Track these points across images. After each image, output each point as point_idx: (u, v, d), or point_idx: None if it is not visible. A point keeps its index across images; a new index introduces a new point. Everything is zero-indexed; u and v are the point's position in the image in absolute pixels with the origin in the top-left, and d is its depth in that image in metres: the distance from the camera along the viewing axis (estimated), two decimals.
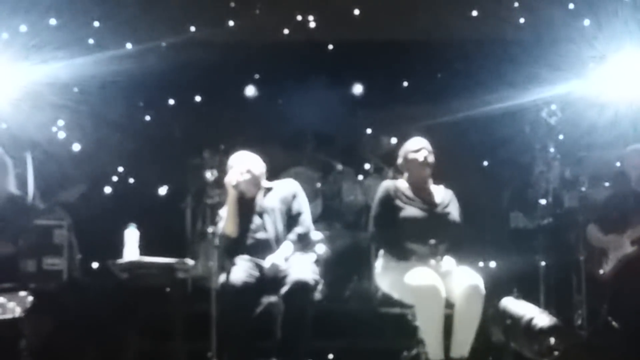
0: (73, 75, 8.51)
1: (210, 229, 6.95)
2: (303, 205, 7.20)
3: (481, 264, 8.15)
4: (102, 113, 8.83)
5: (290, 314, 6.68)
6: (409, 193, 7.00)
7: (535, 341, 6.43)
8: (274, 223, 7.06)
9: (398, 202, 6.95)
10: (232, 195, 7.08)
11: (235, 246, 7.02)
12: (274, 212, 7.10)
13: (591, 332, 8.08)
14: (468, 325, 6.50)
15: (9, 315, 5.75)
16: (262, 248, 6.96)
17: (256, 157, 7.29)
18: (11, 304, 5.88)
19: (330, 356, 7.38)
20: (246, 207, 7.10)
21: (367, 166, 9.79)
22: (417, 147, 7.02)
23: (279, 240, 7.00)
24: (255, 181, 7.18)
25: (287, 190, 7.21)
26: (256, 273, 6.79)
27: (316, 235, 7.32)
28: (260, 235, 7.04)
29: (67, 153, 8.63)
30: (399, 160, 7.13)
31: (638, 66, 8.75)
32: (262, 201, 7.16)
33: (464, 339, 6.51)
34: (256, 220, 7.09)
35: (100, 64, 8.63)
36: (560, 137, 8.81)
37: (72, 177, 8.74)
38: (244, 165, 7.17)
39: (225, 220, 7.05)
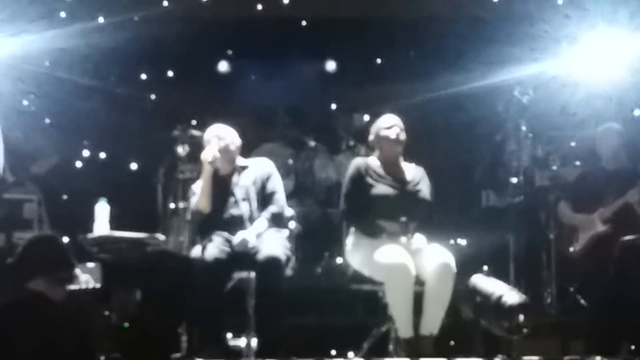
0: (44, 48, 8.43)
1: (182, 204, 6.92)
2: (277, 185, 7.17)
3: (452, 241, 8.16)
4: (73, 87, 8.75)
5: (263, 290, 6.66)
6: (380, 170, 6.99)
7: (504, 318, 6.43)
8: (248, 201, 7.03)
9: (369, 180, 6.94)
10: (207, 171, 7.04)
11: (207, 222, 6.98)
12: (248, 189, 7.06)
13: (560, 310, 8.15)
14: (438, 303, 6.52)
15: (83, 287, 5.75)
16: (235, 225, 6.92)
17: (233, 131, 7.24)
18: (85, 276, 5.90)
19: (301, 333, 7.35)
20: (220, 184, 7.06)
21: (339, 143, 9.77)
22: (389, 124, 7.01)
23: (252, 218, 6.96)
24: (231, 157, 7.15)
25: (263, 170, 7.17)
26: (227, 248, 6.76)
27: (288, 212, 7.31)
28: (234, 211, 7.00)
29: (37, 127, 8.55)
30: (371, 137, 7.12)
31: (611, 45, 8.76)
32: (236, 178, 7.12)
33: (434, 316, 6.52)
34: (230, 197, 7.05)
35: (72, 37, 8.55)
36: (533, 116, 8.83)
37: (43, 151, 8.69)
38: (221, 140, 7.13)
39: (199, 196, 7.01)
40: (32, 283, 4.91)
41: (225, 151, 7.10)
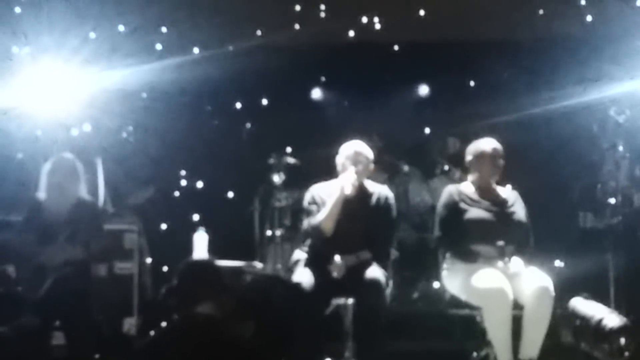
0: (141, 80, 8.63)
1: (278, 232, 6.94)
2: (393, 219, 7.12)
3: (550, 264, 8.09)
4: (170, 118, 8.92)
5: (364, 314, 6.64)
6: (474, 195, 6.97)
7: (605, 342, 6.37)
8: (366, 226, 6.93)
9: (462, 205, 6.92)
10: (340, 196, 6.84)
11: (325, 244, 6.89)
12: (368, 215, 6.97)
13: None
14: (538, 327, 6.46)
15: None
16: (349, 249, 6.83)
17: (369, 151, 7.09)
18: None
19: (400, 357, 7.34)
20: (345, 204, 6.90)
21: (433, 167, 9.77)
22: (490, 147, 6.98)
23: (364, 244, 6.90)
24: (362, 180, 7.02)
25: (385, 199, 7.06)
26: (326, 274, 6.76)
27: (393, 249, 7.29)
28: (351, 235, 6.87)
29: (136, 158, 8.72)
30: (469, 158, 7.07)
31: None
32: (360, 202, 6.98)
33: (534, 340, 6.46)
34: (350, 220, 6.89)
35: (168, 70, 8.73)
36: (629, 135, 8.72)
37: (142, 182, 8.84)
38: (358, 162, 6.96)
39: (325, 217, 6.84)
40: (201, 307, 5.02)
41: (360, 173, 6.98)
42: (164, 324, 5.67)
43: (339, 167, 7.03)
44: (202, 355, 4.70)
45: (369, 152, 7.08)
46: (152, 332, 6.99)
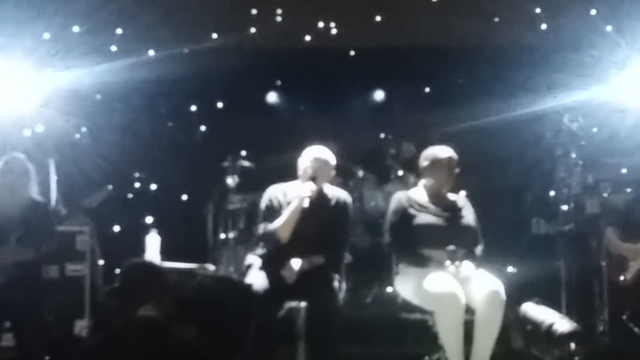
0: (96, 81, 8.58)
1: (232, 234, 6.91)
2: (348, 224, 7.11)
3: (502, 269, 8.13)
4: (124, 119, 8.88)
5: (317, 318, 6.62)
6: (423, 200, 6.99)
7: (555, 347, 6.42)
8: (323, 231, 6.89)
9: (411, 211, 6.92)
10: (299, 205, 6.78)
11: (279, 247, 6.84)
12: (325, 220, 6.94)
13: (613, 338, 8.07)
14: (489, 331, 6.47)
15: None
16: (306, 253, 6.79)
17: (331, 156, 7.05)
18: None
19: None
20: (303, 210, 6.81)
21: (388, 172, 9.78)
22: (446, 156, 6.98)
23: (321, 248, 6.87)
24: (321, 186, 6.99)
25: (343, 204, 7.05)
26: (279, 277, 6.74)
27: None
28: (308, 240, 6.83)
29: (89, 159, 8.66)
30: (424, 163, 7.06)
31: None
32: (318, 206, 6.90)
33: (485, 344, 6.47)
34: (307, 224, 6.84)
35: (122, 71, 8.69)
36: (582, 143, 8.79)
37: (95, 183, 8.79)
38: (319, 168, 6.92)
39: (283, 224, 6.79)
40: (143, 308, 4.98)
41: (320, 180, 6.93)
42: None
43: (300, 172, 6.99)
44: (145, 357, 4.65)
45: (331, 158, 7.05)
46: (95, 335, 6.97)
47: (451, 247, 6.61)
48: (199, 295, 6.06)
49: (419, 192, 7.06)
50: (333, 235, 6.95)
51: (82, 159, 8.64)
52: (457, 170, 6.98)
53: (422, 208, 6.95)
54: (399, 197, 7.05)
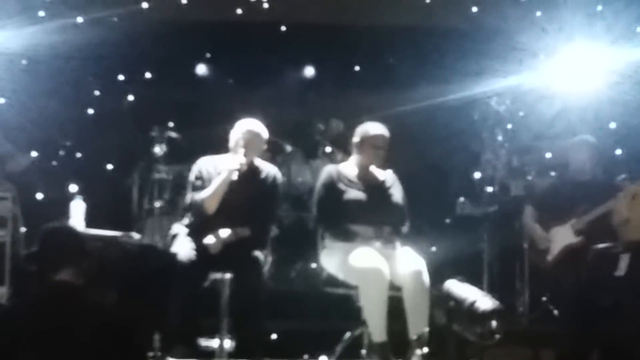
0: (22, 45, 8.44)
1: (157, 203, 6.86)
2: (277, 197, 7.14)
3: (427, 249, 8.19)
4: (51, 85, 8.74)
5: (241, 290, 6.61)
6: (352, 176, 6.99)
7: (477, 323, 6.44)
8: (250, 203, 6.90)
9: (340, 185, 6.92)
10: (227, 177, 6.77)
11: (206, 218, 6.83)
12: (253, 192, 6.94)
13: (532, 319, 8.18)
14: (418, 303, 6.52)
15: None
16: (233, 224, 6.80)
17: (263, 129, 7.07)
18: None
19: (274, 336, 7.34)
20: (233, 183, 6.82)
21: (316, 148, 9.79)
22: (378, 133, 6.98)
23: (248, 221, 6.88)
24: (251, 159, 6.99)
25: (272, 178, 7.07)
26: (204, 248, 6.72)
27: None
28: (235, 211, 6.83)
29: (14, 124, 8.52)
30: (355, 139, 7.04)
31: (587, 58, 8.83)
32: (247, 178, 6.92)
33: (419, 315, 6.51)
34: (234, 196, 6.84)
35: (50, 36, 8.55)
36: (509, 126, 8.89)
37: (19, 149, 8.65)
38: (250, 140, 6.93)
39: (210, 195, 6.77)
40: (60, 274, 4.90)
41: (250, 150, 6.93)
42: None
43: (231, 143, 6.97)
44: (62, 323, 4.59)
45: (264, 132, 7.05)
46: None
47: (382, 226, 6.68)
48: (121, 262, 6.03)
49: (349, 167, 7.06)
50: (260, 209, 6.96)
51: (6, 124, 8.49)
52: (386, 149, 6.98)
53: (351, 183, 6.95)
54: (328, 171, 7.05)
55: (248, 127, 6.99)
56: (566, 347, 6.91)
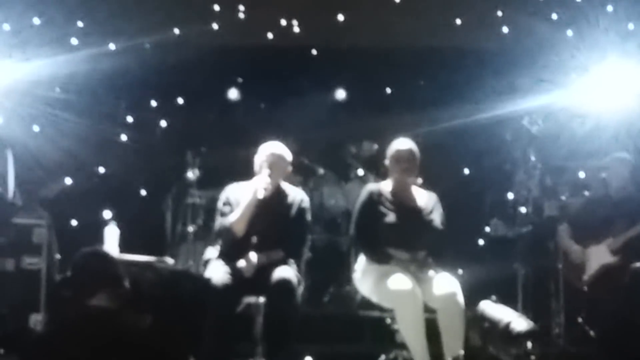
0: (55, 73, 8.52)
1: (191, 228, 6.87)
2: (307, 221, 7.12)
3: (461, 271, 8.16)
4: (83, 112, 8.81)
5: (275, 314, 6.62)
6: (392, 197, 6.97)
7: (512, 345, 6.44)
8: (280, 228, 6.92)
9: (381, 207, 6.91)
10: (253, 199, 6.81)
11: (238, 243, 6.85)
12: (283, 217, 6.97)
13: (568, 340, 8.12)
14: (453, 326, 6.51)
15: None
16: (262, 249, 6.81)
17: (287, 152, 7.09)
18: None
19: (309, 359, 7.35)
20: (260, 207, 6.86)
21: (348, 171, 9.79)
22: (405, 147, 6.97)
23: (279, 244, 6.89)
24: (277, 182, 7.02)
25: (300, 202, 7.06)
26: (237, 272, 6.72)
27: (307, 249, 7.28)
28: (264, 235, 6.85)
29: (48, 151, 8.58)
30: (388, 159, 7.04)
31: (619, 77, 8.80)
32: (275, 203, 6.96)
33: (454, 338, 6.50)
34: (264, 220, 6.87)
35: (82, 64, 8.63)
36: (542, 146, 8.85)
37: (53, 176, 8.72)
38: (274, 164, 6.96)
39: (237, 218, 6.81)
40: (95, 299, 4.92)
41: (275, 175, 6.96)
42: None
43: (256, 167, 7.01)
44: (97, 348, 4.60)
45: (287, 154, 7.08)
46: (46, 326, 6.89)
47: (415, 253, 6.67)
48: (155, 287, 6.02)
49: (389, 188, 7.04)
50: (291, 232, 6.97)
51: (40, 151, 8.55)
52: (417, 161, 6.94)
53: (391, 204, 6.93)
54: (370, 190, 7.04)
55: (271, 150, 7.03)
56: None
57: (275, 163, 6.96)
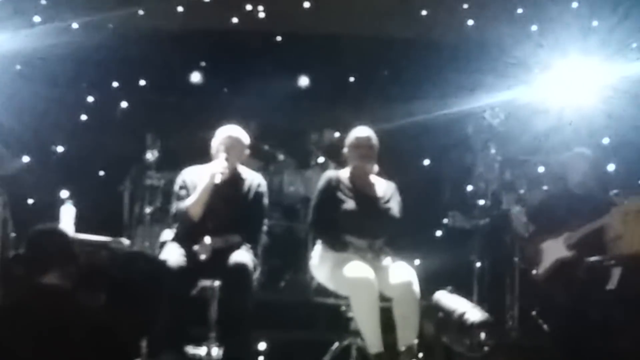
0: (16, 49, 8.43)
1: (148, 209, 6.84)
2: (264, 206, 7.11)
3: (417, 261, 8.17)
4: (44, 90, 8.72)
5: (230, 299, 6.62)
6: (351, 185, 6.97)
7: (466, 335, 6.43)
8: (235, 211, 6.92)
9: (339, 194, 6.92)
10: (210, 183, 6.80)
11: (194, 226, 6.84)
12: (238, 201, 6.96)
13: (522, 332, 8.16)
14: (408, 315, 6.54)
15: None
16: (217, 232, 6.81)
17: (244, 135, 7.09)
18: None
19: (262, 345, 7.32)
20: (217, 191, 6.85)
21: (309, 158, 9.77)
22: (363, 135, 6.99)
23: (233, 229, 6.88)
24: (234, 165, 6.99)
25: (257, 186, 7.06)
26: (193, 255, 6.69)
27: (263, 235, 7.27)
28: (220, 219, 6.87)
29: (7, 128, 8.50)
30: (347, 147, 7.06)
31: (581, 74, 8.84)
32: (231, 187, 6.95)
33: (408, 327, 6.54)
34: (220, 204, 6.87)
35: (44, 41, 8.54)
36: (503, 140, 8.87)
37: (10, 154, 8.63)
38: (231, 147, 6.95)
39: (194, 202, 6.81)
40: (47, 277, 4.87)
41: (232, 158, 6.95)
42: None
43: (213, 151, 7.00)
44: (48, 326, 4.56)
45: (244, 137, 7.06)
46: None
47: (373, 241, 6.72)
48: (109, 267, 5.97)
49: (348, 176, 7.04)
50: (248, 216, 6.96)
51: None
52: (375, 149, 6.96)
53: (349, 192, 6.94)
54: (328, 177, 7.04)
55: (228, 133, 7.01)
56: None
57: (232, 146, 6.94)
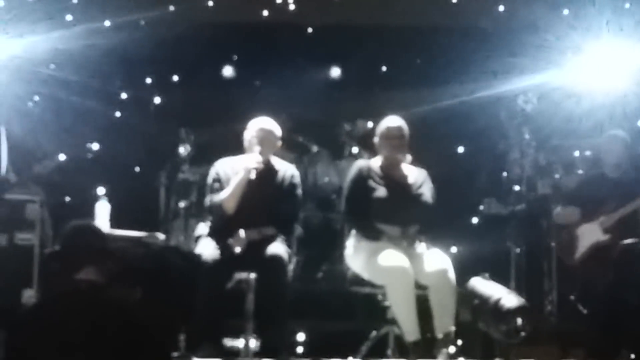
0: (50, 49, 8.48)
1: (182, 204, 6.86)
2: (298, 197, 7.14)
3: (454, 248, 8.17)
4: (78, 88, 8.79)
5: (266, 291, 6.65)
6: (382, 173, 6.98)
7: (502, 321, 6.43)
8: (270, 203, 6.94)
9: (370, 182, 6.93)
10: (244, 176, 6.82)
11: (228, 219, 6.87)
12: (273, 192, 6.99)
13: (560, 317, 8.13)
14: (444, 303, 6.55)
15: None
16: (253, 225, 6.83)
17: (277, 128, 7.10)
18: None
19: (300, 336, 7.35)
20: (250, 183, 6.87)
21: (342, 149, 9.77)
22: (394, 125, 6.98)
23: (270, 220, 6.92)
24: (267, 157, 7.03)
25: (291, 177, 7.08)
26: (228, 249, 6.72)
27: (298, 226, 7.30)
28: (255, 211, 6.89)
29: (42, 128, 8.57)
30: (375, 139, 7.07)
31: (615, 56, 8.78)
32: (265, 179, 6.96)
33: (445, 315, 6.55)
34: (255, 196, 6.88)
35: (77, 40, 8.59)
36: (536, 124, 8.83)
37: (47, 153, 8.71)
38: (264, 139, 6.97)
39: (228, 195, 6.84)
40: (83, 272, 4.92)
41: (265, 150, 6.96)
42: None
43: (245, 143, 7.02)
44: (84, 322, 4.59)
45: (276, 129, 7.08)
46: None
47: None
48: (144, 261, 6.02)
49: (379, 164, 7.04)
50: (282, 208, 6.98)
51: (34, 127, 8.54)
52: (406, 139, 6.95)
53: (381, 180, 6.94)
54: (359, 166, 7.05)
55: (260, 125, 7.04)
56: (594, 346, 6.89)
57: (265, 138, 6.96)
